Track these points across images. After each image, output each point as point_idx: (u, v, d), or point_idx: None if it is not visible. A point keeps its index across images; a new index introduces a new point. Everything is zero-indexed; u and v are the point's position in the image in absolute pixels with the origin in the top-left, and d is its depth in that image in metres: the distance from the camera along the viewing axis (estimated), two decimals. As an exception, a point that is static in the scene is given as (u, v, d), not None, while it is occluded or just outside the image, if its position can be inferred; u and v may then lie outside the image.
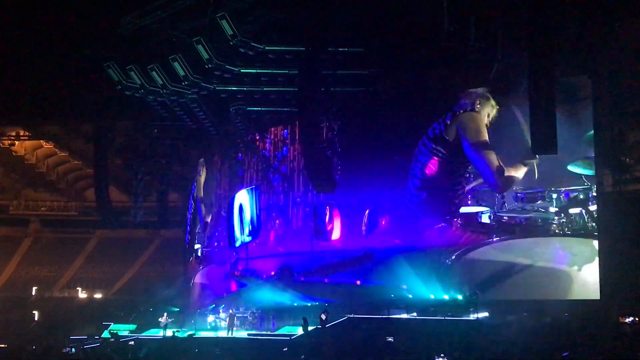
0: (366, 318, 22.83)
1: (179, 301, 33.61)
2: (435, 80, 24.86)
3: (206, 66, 26.10)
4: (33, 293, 42.75)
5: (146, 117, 32.69)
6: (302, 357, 19.22)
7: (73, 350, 23.37)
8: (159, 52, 26.96)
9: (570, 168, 21.96)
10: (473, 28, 21.39)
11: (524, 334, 17.93)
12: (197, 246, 35.53)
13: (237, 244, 31.79)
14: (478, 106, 22.10)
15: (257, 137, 33.29)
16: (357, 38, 25.67)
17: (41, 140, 43.66)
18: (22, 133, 41.65)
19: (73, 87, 30.68)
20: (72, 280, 45.26)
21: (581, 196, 22.16)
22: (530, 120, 19.33)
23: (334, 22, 24.50)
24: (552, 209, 22.35)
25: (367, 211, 27.05)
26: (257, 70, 27.43)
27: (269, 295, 28.57)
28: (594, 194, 21.46)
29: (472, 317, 21.20)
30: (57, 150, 44.46)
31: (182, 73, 26.61)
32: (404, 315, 22.93)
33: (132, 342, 25.18)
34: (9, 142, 42.23)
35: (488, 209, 23.61)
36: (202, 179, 35.07)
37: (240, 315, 28.39)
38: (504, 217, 23.08)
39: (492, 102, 22.36)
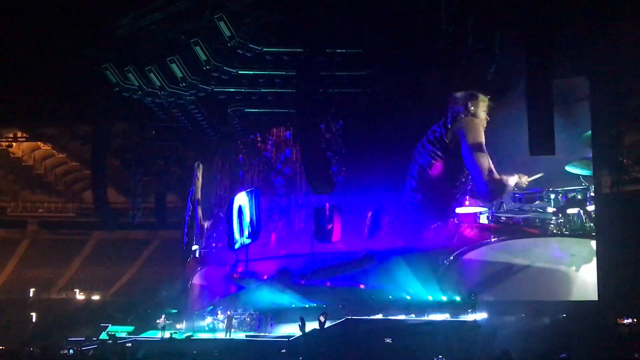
0: (364, 319, 22.82)
1: (177, 302, 33.61)
2: (434, 81, 24.87)
3: (204, 68, 26.04)
4: (31, 295, 42.77)
5: (144, 118, 32.62)
6: (300, 358, 19.20)
7: (71, 351, 23.35)
8: (156, 53, 26.90)
9: (568, 168, 21.98)
10: (471, 29, 21.40)
11: (522, 334, 17.96)
12: (195, 247, 35.52)
13: (236, 246, 31.75)
14: (472, 108, 22.16)
15: (259, 139, 33.24)
16: (355, 39, 25.64)
17: (39, 142, 43.64)
18: (19, 135, 41.58)
19: (71, 89, 30.57)
20: (70, 281, 45.26)
21: (579, 197, 22.17)
22: (528, 121, 19.36)
23: (332, 24, 24.47)
24: (550, 210, 22.37)
25: (370, 213, 27.03)
26: (255, 72, 27.38)
27: (267, 296, 28.55)
28: (592, 194, 21.48)
29: (470, 318, 21.20)
30: (55, 151, 44.44)
31: (179, 74, 26.56)
32: (402, 317, 22.92)
33: (130, 344, 25.15)
34: (7, 143, 42.19)
35: (486, 209, 23.63)
36: (200, 181, 35.07)
37: (238, 316, 28.37)
38: (502, 218, 23.10)
39: (481, 96, 22.46)
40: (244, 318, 28.28)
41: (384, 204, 26.57)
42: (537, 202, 22.61)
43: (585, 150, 21.48)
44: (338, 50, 26.01)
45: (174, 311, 31.73)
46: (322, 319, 21.91)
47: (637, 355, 15.49)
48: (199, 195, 35.00)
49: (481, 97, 22.43)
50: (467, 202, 23.86)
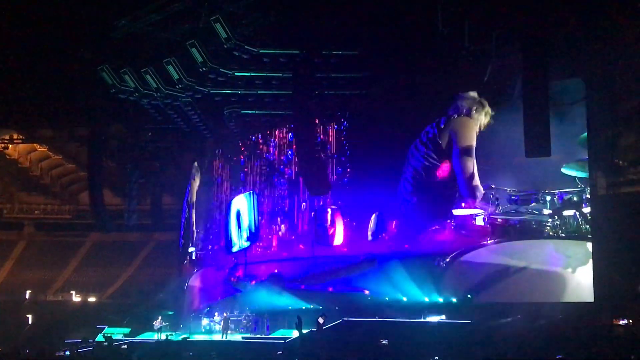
0: (361, 321, 22.78)
1: (173, 304, 33.54)
2: (430, 83, 24.90)
3: (200, 69, 26.03)
4: (27, 296, 42.66)
5: (140, 120, 32.59)
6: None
7: (67, 353, 23.28)
8: (153, 55, 26.90)
9: (564, 170, 21.99)
10: (467, 30, 21.43)
11: (518, 336, 17.95)
12: (191, 249, 35.46)
13: (235, 249, 31.67)
14: (474, 112, 22.20)
15: (260, 140, 33.17)
16: (351, 41, 25.67)
17: (35, 144, 43.52)
18: (15, 136, 41.42)
19: (67, 91, 30.52)
20: (66, 283, 45.18)
21: (575, 198, 22.16)
22: (524, 122, 19.38)
23: (328, 25, 24.50)
24: (546, 212, 22.36)
25: (374, 215, 26.97)
26: (252, 74, 27.40)
27: (263, 298, 28.49)
28: (588, 196, 21.48)
29: (466, 319, 21.18)
30: (51, 153, 44.36)
31: (176, 76, 26.55)
32: (399, 319, 22.90)
33: (126, 346, 25.11)
34: (3, 145, 42.03)
35: (482, 211, 23.62)
36: (196, 184, 35.01)
37: (235, 318, 28.37)
38: (498, 220, 23.09)
39: (487, 109, 22.49)
40: (241, 320, 28.26)
41: (388, 206, 26.52)
42: (533, 204, 22.60)
43: (581, 152, 21.48)
44: (334, 52, 26.04)
45: (170, 313, 31.68)
46: (321, 320, 21.84)
47: (633, 357, 15.46)
48: (194, 199, 34.93)
49: (487, 108, 22.67)
50: (463, 204, 23.87)
